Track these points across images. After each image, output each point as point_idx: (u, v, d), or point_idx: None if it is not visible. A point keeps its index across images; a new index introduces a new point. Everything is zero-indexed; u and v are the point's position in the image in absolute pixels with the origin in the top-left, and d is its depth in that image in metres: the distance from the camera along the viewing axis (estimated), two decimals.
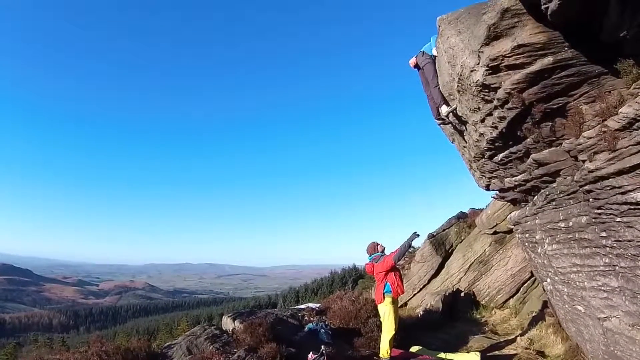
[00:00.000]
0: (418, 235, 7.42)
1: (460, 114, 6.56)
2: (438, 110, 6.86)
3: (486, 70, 5.03)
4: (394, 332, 7.26)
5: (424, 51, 6.96)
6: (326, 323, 9.01)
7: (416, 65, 7.17)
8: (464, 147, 7.50)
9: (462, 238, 14.16)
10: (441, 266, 13.77)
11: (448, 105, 6.70)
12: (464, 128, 6.86)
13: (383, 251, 7.66)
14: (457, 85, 6.03)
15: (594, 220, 4.72)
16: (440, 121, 7.15)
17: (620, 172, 3.95)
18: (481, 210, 14.43)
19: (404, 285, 7.68)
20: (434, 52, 6.74)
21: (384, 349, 7.24)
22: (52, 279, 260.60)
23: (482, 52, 5.02)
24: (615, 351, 5.08)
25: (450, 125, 7.19)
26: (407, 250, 7.44)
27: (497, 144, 6.18)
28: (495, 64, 4.86)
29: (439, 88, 6.73)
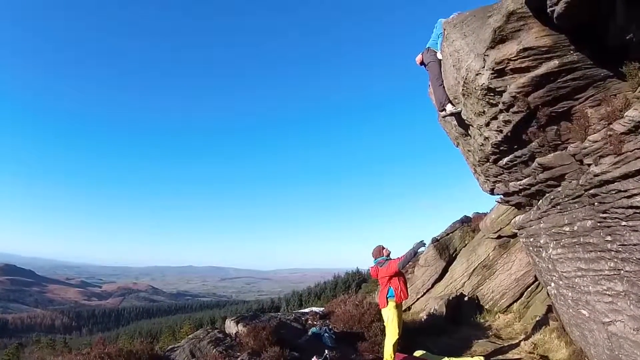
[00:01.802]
0: (424, 244, 7.42)
1: (465, 118, 6.55)
2: (441, 104, 6.85)
3: (491, 73, 5.02)
4: (397, 337, 7.24)
5: (429, 47, 6.93)
6: (330, 327, 9.00)
7: (422, 63, 7.15)
8: (469, 150, 7.49)
9: (466, 242, 14.13)
10: (445, 270, 13.76)
11: (452, 104, 6.69)
12: (469, 131, 6.84)
13: (388, 255, 7.63)
14: (462, 89, 6.01)
15: (599, 224, 4.69)
16: (443, 113, 7.07)
17: (625, 176, 3.93)
18: (485, 214, 14.40)
19: (407, 290, 7.66)
20: (439, 55, 6.73)
21: (388, 353, 7.22)
22: (55, 279, 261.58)
23: (487, 55, 5.01)
24: (620, 355, 5.05)
25: (453, 117, 7.13)
26: (412, 257, 7.44)
27: (501, 148, 6.16)
28: (501, 67, 4.86)
29: (443, 87, 6.72)
